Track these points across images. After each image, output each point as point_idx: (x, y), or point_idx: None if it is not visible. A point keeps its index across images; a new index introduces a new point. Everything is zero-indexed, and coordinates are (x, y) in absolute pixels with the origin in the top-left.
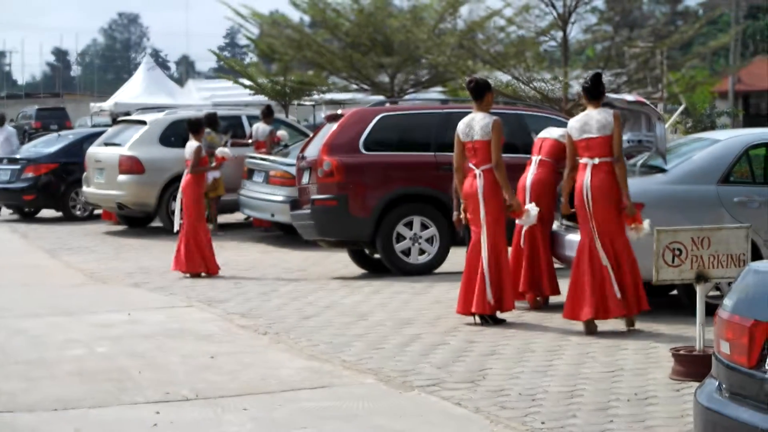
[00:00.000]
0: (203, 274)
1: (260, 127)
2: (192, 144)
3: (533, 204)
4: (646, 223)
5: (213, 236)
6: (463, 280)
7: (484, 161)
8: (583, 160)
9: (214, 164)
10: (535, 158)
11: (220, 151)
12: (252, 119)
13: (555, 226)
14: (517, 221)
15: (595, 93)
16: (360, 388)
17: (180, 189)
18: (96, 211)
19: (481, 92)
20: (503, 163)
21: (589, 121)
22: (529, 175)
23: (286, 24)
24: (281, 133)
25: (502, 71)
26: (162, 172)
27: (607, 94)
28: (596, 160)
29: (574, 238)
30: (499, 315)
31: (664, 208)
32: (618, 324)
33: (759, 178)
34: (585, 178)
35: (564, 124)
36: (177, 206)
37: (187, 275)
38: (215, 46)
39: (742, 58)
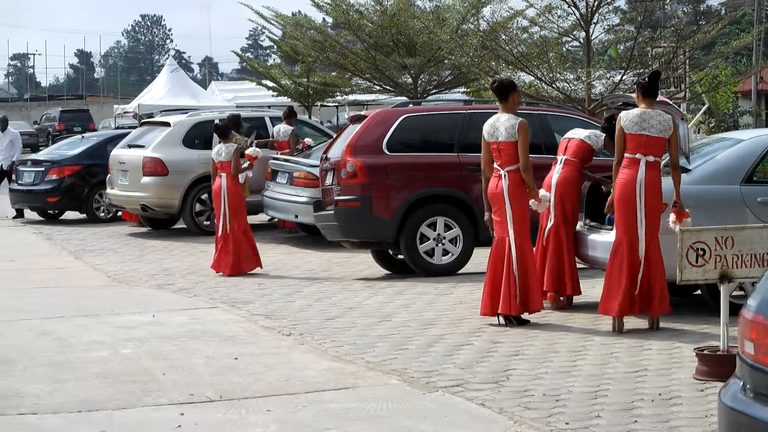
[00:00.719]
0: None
1: (282, 128)
2: (227, 146)
3: (543, 191)
4: (688, 221)
5: None
6: (487, 282)
7: (510, 162)
8: (636, 156)
9: (246, 164)
10: (561, 158)
11: (253, 150)
12: (275, 120)
13: (579, 226)
14: (531, 204)
15: (651, 91)
16: (384, 389)
17: (218, 192)
18: (119, 213)
19: (505, 93)
20: (531, 165)
21: (649, 119)
22: (555, 174)
23: (309, 25)
24: (308, 139)
25: (524, 72)
26: (186, 174)
27: (629, 95)
28: (651, 158)
29: (597, 238)
30: (524, 316)
31: (688, 208)
32: (641, 323)
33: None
34: (639, 174)
35: (588, 125)
36: (223, 209)
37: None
38: (238, 48)
39: (765, 57)
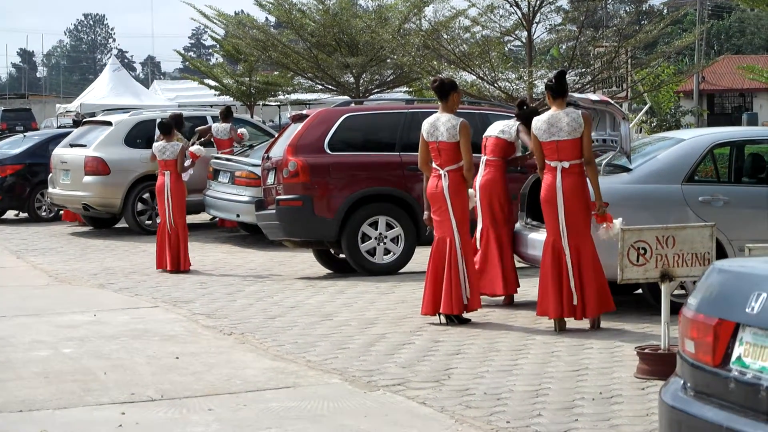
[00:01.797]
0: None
1: (220, 127)
2: (173, 145)
3: (620, 219)
4: (617, 222)
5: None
6: (428, 281)
7: (450, 162)
8: (552, 163)
9: (189, 162)
10: (483, 158)
11: (196, 149)
12: (217, 120)
13: (518, 225)
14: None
15: (559, 91)
16: (325, 388)
17: (162, 189)
18: (61, 212)
19: (446, 92)
20: (473, 166)
21: (557, 123)
22: (479, 178)
23: (252, 24)
24: (242, 130)
25: (467, 71)
26: (127, 173)
27: (571, 94)
28: (566, 164)
29: (536, 237)
30: (465, 315)
31: (629, 208)
32: (583, 323)
33: (723, 177)
34: (557, 181)
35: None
36: (167, 205)
37: (168, 272)
38: (181, 47)
39: (707, 57)
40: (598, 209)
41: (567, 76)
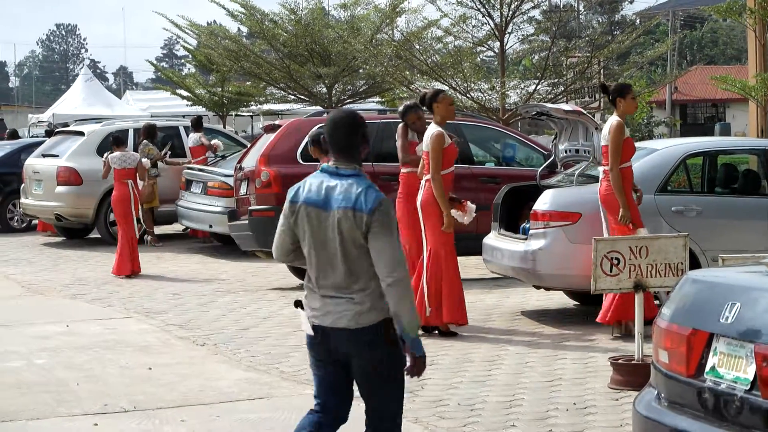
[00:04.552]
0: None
1: (191, 137)
2: (131, 154)
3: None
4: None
5: (152, 247)
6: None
7: (427, 172)
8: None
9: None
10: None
11: (144, 161)
12: (189, 130)
13: (491, 235)
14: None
15: (611, 100)
16: (299, 398)
17: (126, 198)
18: (34, 222)
19: (428, 104)
20: (439, 177)
21: (605, 129)
22: (419, 196)
23: (224, 35)
24: (215, 141)
25: (439, 81)
26: (100, 184)
27: (543, 104)
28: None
29: (504, 246)
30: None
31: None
32: (556, 334)
33: (696, 187)
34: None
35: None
36: (133, 210)
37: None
38: (153, 57)
39: (679, 67)
40: (624, 218)
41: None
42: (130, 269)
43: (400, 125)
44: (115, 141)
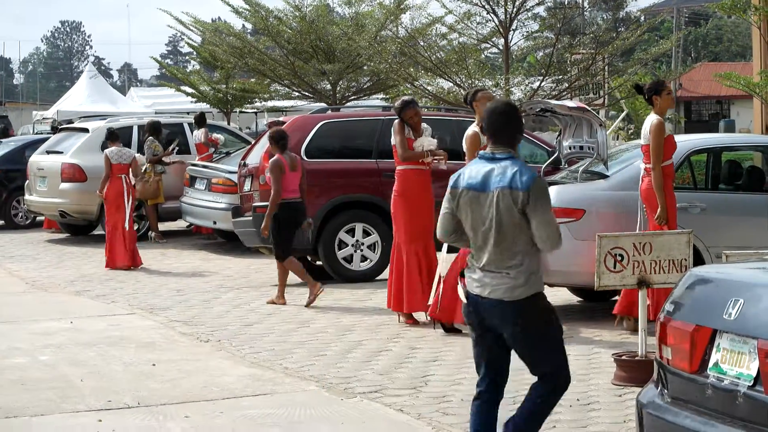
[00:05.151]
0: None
1: (197, 133)
2: (126, 150)
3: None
4: None
5: (155, 244)
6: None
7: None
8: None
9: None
10: None
11: (138, 157)
12: (194, 126)
13: None
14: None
15: (647, 99)
16: (302, 395)
17: (121, 193)
18: (38, 218)
19: (470, 103)
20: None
21: (644, 128)
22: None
23: (228, 32)
24: (217, 135)
25: (443, 78)
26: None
27: (548, 101)
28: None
29: None
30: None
31: (606, 214)
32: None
33: (700, 183)
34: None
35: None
36: (128, 207)
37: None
38: (157, 54)
39: (684, 64)
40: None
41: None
42: (124, 261)
43: (397, 121)
44: (110, 136)
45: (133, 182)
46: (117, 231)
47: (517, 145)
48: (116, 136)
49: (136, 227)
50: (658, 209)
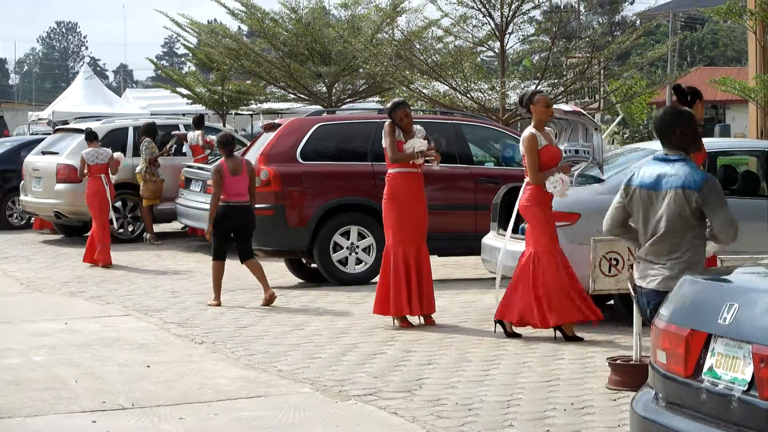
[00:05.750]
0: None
1: (193, 135)
2: (103, 150)
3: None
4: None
5: (150, 245)
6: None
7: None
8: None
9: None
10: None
11: (117, 155)
12: (189, 128)
13: (490, 235)
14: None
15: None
16: (296, 397)
17: (102, 192)
18: (33, 220)
19: (526, 105)
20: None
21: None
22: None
23: (224, 33)
24: (212, 137)
25: (439, 81)
26: None
27: None
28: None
29: (503, 246)
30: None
31: (601, 218)
32: (551, 333)
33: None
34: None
35: (500, 135)
36: (111, 206)
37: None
38: (153, 56)
39: (680, 68)
40: None
41: (541, 86)
42: (102, 259)
43: (387, 123)
44: (88, 136)
45: (113, 180)
46: (105, 230)
47: (690, 148)
48: (94, 136)
49: (131, 228)
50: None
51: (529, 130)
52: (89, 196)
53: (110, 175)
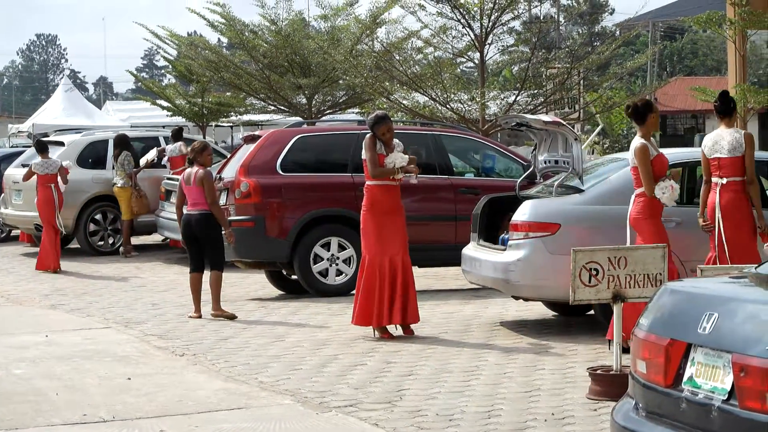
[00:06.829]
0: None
1: (170, 147)
2: (53, 161)
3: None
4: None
5: (128, 257)
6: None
7: (637, 187)
8: (714, 179)
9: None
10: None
11: (66, 163)
12: (169, 140)
13: (470, 246)
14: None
15: (724, 111)
16: (277, 409)
17: (51, 200)
18: (14, 232)
19: (641, 115)
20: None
21: (720, 140)
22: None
23: (204, 45)
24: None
25: (419, 92)
26: (79, 194)
27: (523, 115)
28: (724, 180)
29: (483, 257)
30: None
31: (581, 228)
32: (534, 344)
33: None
34: (715, 198)
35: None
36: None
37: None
38: (133, 68)
39: (659, 79)
40: (762, 228)
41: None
42: (53, 265)
43: (368, 136)
44: (39, 148)
45: (62, 189)
46: (56, 236)
47: None
48: (44, 147)
49: (111, 241)
50: (760, 221)
51: (640, 140)
52: (40, 205)
53: (60, 184)
